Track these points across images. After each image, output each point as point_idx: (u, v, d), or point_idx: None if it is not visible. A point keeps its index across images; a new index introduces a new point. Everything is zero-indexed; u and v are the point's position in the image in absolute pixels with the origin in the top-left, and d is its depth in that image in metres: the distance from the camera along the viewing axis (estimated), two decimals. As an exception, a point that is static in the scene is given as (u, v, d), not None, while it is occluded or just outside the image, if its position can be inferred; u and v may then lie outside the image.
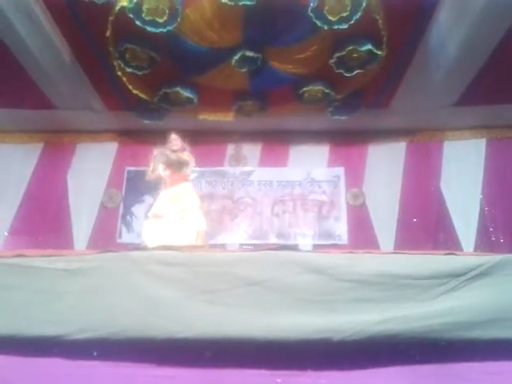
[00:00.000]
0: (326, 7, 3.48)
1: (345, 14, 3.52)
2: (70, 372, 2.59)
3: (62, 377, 2.59)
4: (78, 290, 2.59)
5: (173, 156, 3.84)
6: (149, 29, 3.57)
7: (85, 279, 2.63)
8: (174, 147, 3.88)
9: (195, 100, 4.65)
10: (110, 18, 3.63)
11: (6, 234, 5.20)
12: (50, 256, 2.80)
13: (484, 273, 2.64)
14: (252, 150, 5.64)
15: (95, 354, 2.58)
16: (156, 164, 3.86)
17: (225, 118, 5.08)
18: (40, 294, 2.63)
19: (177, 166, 3.86)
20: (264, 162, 5.61)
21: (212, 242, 5.17)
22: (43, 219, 5.21)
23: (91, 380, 2.59)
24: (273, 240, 5.18)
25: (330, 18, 3.53)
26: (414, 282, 2.68)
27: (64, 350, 2.60)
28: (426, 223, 5.17)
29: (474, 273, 2.65)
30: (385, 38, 3.86)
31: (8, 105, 5.04)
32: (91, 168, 5.45)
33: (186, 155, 3.93)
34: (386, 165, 5.42)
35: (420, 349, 2.63)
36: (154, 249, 2.89)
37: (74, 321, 2.55)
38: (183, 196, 3.82)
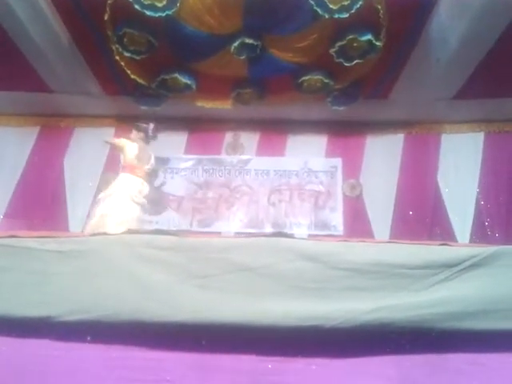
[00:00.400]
0: (328, -5, 3.45)
1: (346, 3, 3.51)
2: (60, 354, 2.59)
3: (51, 358, 2.59)
4: (69, 272, 2.59)
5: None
6: (147, 13, 3.54)
7: (77, 261, 2.62)
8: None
9: (193, 86, 4.63)
10: (109, 2, 3.61)
11: (1, 217, 5.18)
12: (43, 237, 2.79)
13: (477, 264, 2.65)
14: (250, 139, 5.63)
15: (86, 336, 2.59)
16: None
17: (223, 106, 5.07)
18: (32, 275, 2.63)
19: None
20: (261, 150, 5.60)
21: (208, 229, 5.20)
22: (39, 203, 5.20)
23: (81, 362, 2.59)
24: (268, 229, 5.19)
25: (331, 6, 3.51)
26: (408, 271, 2.69)
27: (54, 331, 2.60)
28: (421, 216, 5.18)
29: (467, 263, 2.66)
30: (385, 29, 3.84)
31: (5, 87, 5.01)
32: (88, 152, 5.43)
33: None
34: (383, 156, 5.41)
35: (411, 338, 2.65)
36: (146, 232, 2.88)
37: (65, 302, 2.55)
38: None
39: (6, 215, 5.20)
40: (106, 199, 3.82)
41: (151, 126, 4.13)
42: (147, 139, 4.12)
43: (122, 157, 4.06)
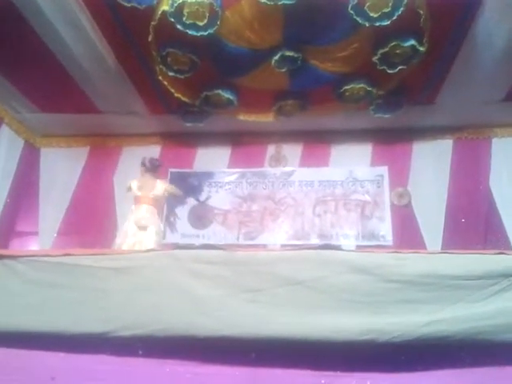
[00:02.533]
0: (367, 4, 3.40)
1: (386, 10, 3.44)
2: (116, 368, 2.66)
3: (107, 373, 2.66)
4: (123, 288, 2.66)
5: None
6: (190, 32, 3.60)
7: (130, 277, 2.69)
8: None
9: (235, 101, 4.67)
10: (152, 23, 3.67)
11: (54, 235, 5.38)
12: (97, 255, 2.88)
13: (537, 272, 2.53)
14: (293, 150, 5.61)
15: (140, 350, 2.64)
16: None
17: (265, 119, 5.09)
18: (87, 292, 2.72)
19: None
20: (305, 162, 5.57)
21: (253, 242, 5.20)
22: (91, 221, 5.37)
23: (136, 376, 2.64)
24: (314, 241, 5.13)
25: (372, 14, 3.46)
26: (464, 282, 2.61)
27: (110, 346, 2.67)
28: (474, 223, 4.98)
29: (526, 272, 2.55)
30: (428, 33, 3.76)
31: (55, 110, 5.24)
32: (136, 170, 5.56)
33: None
34: (431, 163, 5.26)
35: (470, 351, 2.55)
36: (197, 247, 2.92)
37: (120, 318, 2.62)
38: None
39: (59, 233, 5.40)
40: (121, 231, 4.54)
41: (147, 158, 4.80)
42: (150, 170, 4.75)
43: None
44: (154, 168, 4.76)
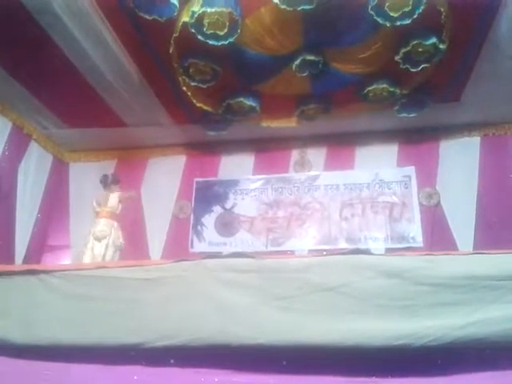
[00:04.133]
0: (387, 4, 3.37)
1: (407, 9, 3.41)
2: (151, 379, 2.69)
3: (142, 383, 2.69)
4: (157, 299, 2.69)
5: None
6: (210, 42, 3.63)
7: (163, 288, 2.72)
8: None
9: (258, 108, 4.68)
10: (174, 35, 3.73)
11: (86, 248, 5.48)
12: (129, 266, 2.92)
13: None
14: (317, 155, 5.59)
15: (173, 360, 2.66)
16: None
17: (288, 124, 5.08)
18: (122, 304, 2.76)
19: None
20: (329, 165, 5.54)
21: (281, 248, 5.19)
22: (121, 233, 5.45)
23: (171, 384, 2.67)
24: (342, 245, 5.08)
25: (392, 14, 3.43)
26: (498, 283, 2.56)
27: (145, 357, 2.71)
28: (506, 222, 4.85)
29: (562, 271, 2.48)
30: (449, 30, 3.70)
31: (81, 124, 5.36)
32: (162, 181, 5.66)
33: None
34: (459, 161, 5.15)
35: (506, 353, 2.50)
36: (226, 256, 2.94)
37: (154, 328, 2.65)
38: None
39: (90, 246, 5.48)
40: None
41: (102, 176, 5.16)
42: (104, 186, 5.07)
43: None
44: (105, 184, 5.07)
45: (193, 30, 3.54)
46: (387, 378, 2.53)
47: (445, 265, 2.62)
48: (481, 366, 2.51)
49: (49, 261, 5.39)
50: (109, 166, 5.85)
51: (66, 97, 4.77)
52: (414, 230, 5.00)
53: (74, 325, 2.75)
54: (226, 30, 3.56)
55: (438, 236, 4.93)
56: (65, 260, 5.45)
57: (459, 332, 2.42)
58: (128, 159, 5.89)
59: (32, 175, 5.34)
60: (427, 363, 2.53)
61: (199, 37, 3.60)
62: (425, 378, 2.53)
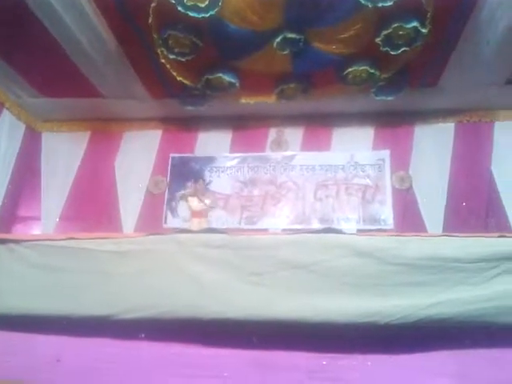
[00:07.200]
0: (370, -16, 3.37)
1: (390, -9, 3.41)
2: (119, 351, 2.70)
3: (111, 355, 2.70)
4: (126, 272, 2.68)
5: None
6: (191, 14, 3.55)
7: (133, 261, 2.71)
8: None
9: (237, 84, 4.63)
10: (152, 5, 3.64)
11: (57, 220, 5.40)
12: (100, 238, 2.89)
13: (538, 255, 2.55)
14: (294, 134, 5.58)
15: (143, 333, 2.67)
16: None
17: (267, 100, 5.05)
18: (90, 276, 2.74)
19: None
20: (306, 146, 5.53)
21: (255, 227, 5.21)
22: (93, 205, 5.38)
23: (139, 359, 2.68)
24: (316, 225, 5.11)
25: (374, -6, 3.43)
26: (465, 265, 2.63)
27: (113, 329, 2.71)
28: (475, 207, 4.97)
29: (527, 255, 2.56)
30: (431, 15, 3.71)
31: (56, 94, 5.21)
32: (137, 155, 5.57)
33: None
34: (433, 147, 5.22)
35: (470, 333, 2.59)
36: (199, 232, 2.94)
37: (123, 301, 2.65)
38: None
39: (61, 218, 5.41)
40: None
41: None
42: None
43: None
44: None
45: (172, 1, 3.46)
46: (354, 355, 2.59)
47: (414, 246, 2.68)
48: (445, 345, 2.60)
49: (19, 232, 5.28)
50: (82, 138, 5.73)
51: (41, 65, 4.62)
52: (386, 213, 5.08)
53: (42, 295, 2.73)
54: (206, 2, 3.49)
55: (408, 219, 5.02)
56: (35, 231, 5.36)
57: (425, 311, 2.49)
58: (102, 131, 5.75)
59: (3, 144, 5.19)
60: (393, 341, 2.60)
61: (179, 8, 3.51)
62: (391, 355, 2.60)
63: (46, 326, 2.76)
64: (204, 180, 5.27)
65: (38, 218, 5.44)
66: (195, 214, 5.10)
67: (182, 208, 5.39)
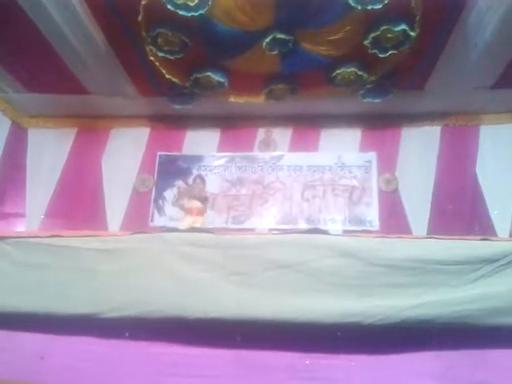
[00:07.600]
0: (360, -14, 3.40)
1: (379, -7, 3.44)
2: (104, 350, 2.69)
3: (95, 354, 2.69)
4: (112, 270, 2.67)
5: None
6: (180, 12, 3.55)
7: (119, 259, 2.70)
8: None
9: (226, 84, 4.63)
10: (142, 3, 3.63)
11: (42, 217, 5.35)
12: (86, 236, 2.88)
13: (520, 258, 2.59)
14: (282, 135, 5.59)
15: (127, 333, 2.66)
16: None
17: (256, 100, 5.06)
18: (75, 274, 2.73)
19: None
20: (294, 146, 5.56)
21: (241, 226, 5.22)
22: (78, 203, 5.34)
23: (124, 357, 2.67)
24: (302, 225, 5.13)
25: (364, -3, 3.46)
26: (447, 267, 2.66)
27: (98, 328, 2.69)
28: (460, 210, 5.04)
29: (508, 258, 2.61)
30: (419, 18, 3.75)
31: (43, 90, 5.15)
32: (124, 153, 5.54)
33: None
34: (419, 150, 5.28)
35: (452, 334, 2.62)
36: (185, 231, 2.93)
37: (108, 300, 2.63)
38: None
39: (46, 215, 5.36)
40: None
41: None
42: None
43: None
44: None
45: (162, -1, 3.45)
46: (338, 355, 2.61)
47: (398, 247, 2.70)
48: (428, 345, 2.63)
49: (2, 228, 5.23)
50: (69, 134, 5.68)
51: (27, 60, 4.57)
52: (372, 214, 5.12)
53: (26, 293, 2.70)
54: (196, 1, 3.49)
55: (394, 221, 5.06)
56: (20, 228, 5.30)
57: (407, 312, 2.52)
58: (89, 128, 5.70)
59: (-11, 140, 5.15)
60: (377, 341, 2.62)
61: (169, 6, 3.51)
62: (375, 355, 2.63)
63: (30, 323, 2.73)
64: (203, 178, 4.98)
65: (22, 215, 5.39)
66: (190, 211, 4.94)
67: (170, 207, 5.38)
